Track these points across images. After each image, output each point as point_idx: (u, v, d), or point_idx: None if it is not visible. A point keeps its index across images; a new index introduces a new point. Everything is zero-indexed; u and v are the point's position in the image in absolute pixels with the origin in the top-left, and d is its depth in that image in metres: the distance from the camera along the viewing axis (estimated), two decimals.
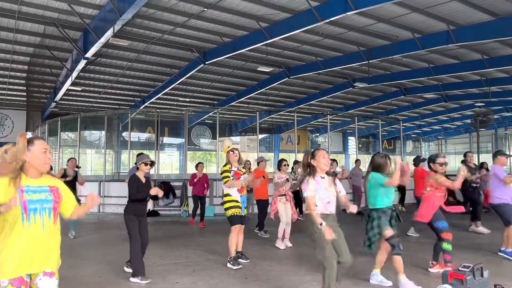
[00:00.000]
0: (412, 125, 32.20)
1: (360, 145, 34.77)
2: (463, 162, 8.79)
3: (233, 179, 5.58)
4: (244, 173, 5.78)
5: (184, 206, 11.32)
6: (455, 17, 11.37)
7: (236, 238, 5.66)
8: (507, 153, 6.21)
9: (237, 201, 5.62)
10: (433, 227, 5.19)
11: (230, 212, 5.62)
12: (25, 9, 10.95)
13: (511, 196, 5.92)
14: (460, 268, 3.95)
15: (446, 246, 5.08)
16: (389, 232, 4.50)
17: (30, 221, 2.46)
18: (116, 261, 5.88)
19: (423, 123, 32.09)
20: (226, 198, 5.68)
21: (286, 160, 7.69)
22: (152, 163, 5.36)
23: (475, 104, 22.50)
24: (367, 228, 4.66)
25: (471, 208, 8.56)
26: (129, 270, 5.17)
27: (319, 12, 10.40)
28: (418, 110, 26.92)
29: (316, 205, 3.93)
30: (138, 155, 8.39)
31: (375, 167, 4.73)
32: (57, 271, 2.62)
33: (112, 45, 13.16)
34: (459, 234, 7.44)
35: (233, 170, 5.66)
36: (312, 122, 29.26)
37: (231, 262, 5.56)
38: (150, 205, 11.34)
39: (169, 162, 29.38)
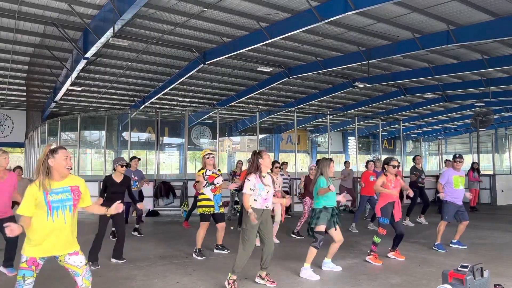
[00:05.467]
0: (412, 125, 32.16)
1: (360, 145, 34.75)
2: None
3: (206, 182, 6.23)
4: (219, 176, 6.36)
5: (184, 206, 11.31)
6: (455, 17, 11.36)
7: (204, 232, 6.23)
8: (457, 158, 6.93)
9: (209, 200, 6.22)
10: (378, 221, 6.00)
11: (201, 210, 6.26)
12: (25, 9, 10.95)
13: (456, 197, 6.65)
14: (459, 268, 3.95)
15: (376, 238, 5.90)
16: (320, 227, 5.22)
17: (53, 216, 3.11)
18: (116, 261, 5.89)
19: (423, 123, 32.05)
20: (200, 197, 6.32)
21: (278, 162, 8.18)
22: (127, 165, 6.29)
23: (475, 104, 22.48)
24: (311, 221, 5.42)
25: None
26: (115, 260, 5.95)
27: (319, 12, 10.39)
28: (418, 110, 26.88)
29: (255, 200, 4.64)
30: (131, 158, 8.64)
31: (321, 171, 5.48)
32: (81, 250, 3.29)
33: (112, 45, 13.16)
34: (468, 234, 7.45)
35: (207, 175, 6.28)
36: (312, 122, 29.23)
37: (196, 253, 6.25)
38: (150, 205, 11.36)
39: (169, 162, 29.35)
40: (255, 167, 4.75)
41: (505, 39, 12.36)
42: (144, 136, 26.44)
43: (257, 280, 4.89)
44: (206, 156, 6.35)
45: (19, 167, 9.64)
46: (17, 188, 5.67)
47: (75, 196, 3.22)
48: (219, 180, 6.35)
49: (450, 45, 12.34)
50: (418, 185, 9.77)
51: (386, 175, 6.08)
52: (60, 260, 3.23)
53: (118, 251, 5.95)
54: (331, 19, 10.50)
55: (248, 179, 4.70)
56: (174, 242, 7.53)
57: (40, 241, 3.10)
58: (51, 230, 3.11)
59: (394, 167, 6.05)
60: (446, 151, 32.53)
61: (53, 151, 3.17)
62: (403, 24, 12.02)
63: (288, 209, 11.54)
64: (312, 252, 5.19)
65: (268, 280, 4.82)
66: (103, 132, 17.58)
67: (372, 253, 5.87)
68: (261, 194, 4.67)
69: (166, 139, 28.65)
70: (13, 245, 5.41)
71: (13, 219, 5.51)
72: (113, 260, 5.95)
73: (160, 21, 11.88)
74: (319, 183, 5.40)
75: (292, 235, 8.09)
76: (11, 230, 3.00)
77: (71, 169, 3.28)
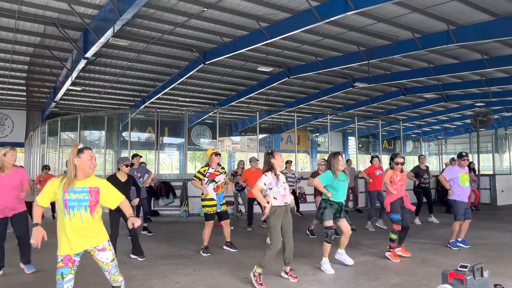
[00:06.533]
0: (412, 125, 32.16)
1: (360, 145, 34.74)
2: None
3: (208, 180, 6.35)
4: (221, 174, 6.45)
5: (184, 206, 11.32)
6: (455, 17, 11.36)
7: (209, 231, 6.42)
8: (465, 156, 6.91)
9: (212, 199, 6.36)
10: (390, 217, 6.09)
11: (205, 210, 6.41)
12: (25, 9, 10.95)
13: (463, 194, 6.71)
14: (459, 268, 3.95)
15: (392, 235, 5.95)
16: (328, 222, 5.41)
17: (70, 215, 3.23)
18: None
19: (423, 123, 32.04)
20: (203, 197, 6.40)
21: None
22: (132, 164, 6.41)
23: (475, 104, 22.48)
24: (318, 212, 5.67)
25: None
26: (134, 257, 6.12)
27: (319, 12, 10.39)
28: (418, 110, 26.87)
29: (275, 198, 4.80)
30: (132, 156, 8.66)
31: (328, 166, 5.72)
32: (109, 245, 3.42)
33: (112, 45, 13.16)
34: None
35: (209, 172, 6.38)
36: (312, 122, 29.22)
37: (203, 251, 6.39)
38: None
39: (169, 162, 29.35)
40: (268, 167, 4.92)
41: (505, 39, 12.36)
42: (144, 136, 26.42)
43: (282, 274, 5.05)
44: (215, 155, 6.46)
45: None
46: (26, 183, 5.40)
47: (92, 197, 3.29)
48: (220, 178, 6.44)
49: (450, 45, 12.33)
50: (421, 186, 9.73)
51: (392, 167, 6.19)
52: (91, 255, 3.41)
53: (137, 248, 6.14)
54: (331, 19, 10.50)
55: (265, 175, 4.87)
56: (174, 242, 7.53)
57: (66, 238, 3.23)
58: (71, 228, 3.24)
59: (397, 163, 6.18)
60: (446, 151, 32.51)
61: (79, 151, 3.30)
62: (403, 24, 12.02)
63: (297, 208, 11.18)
64: (326, 246, 5.42)
65: (291, 275, 4.97)
66: (103, 132, 17.55)
67: (391, 249, 5.96)
68: (279, 191, 4.84)
69: (166, 139, 28.66)
70: (26, 245, 5.31)
71: (25, 214, 5.47)
72: (132, 256, 6.15)
73: (160, 21, 11.88)
74: (324, 175, 5.60)
75: (308, 232, 8.13)
76: (36, 241, 3.16)
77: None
